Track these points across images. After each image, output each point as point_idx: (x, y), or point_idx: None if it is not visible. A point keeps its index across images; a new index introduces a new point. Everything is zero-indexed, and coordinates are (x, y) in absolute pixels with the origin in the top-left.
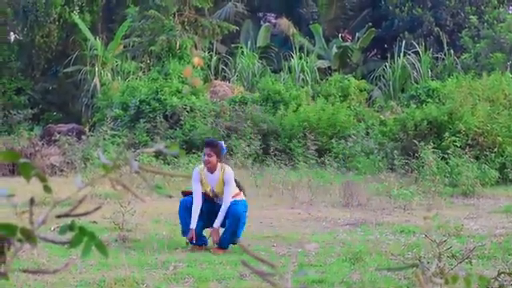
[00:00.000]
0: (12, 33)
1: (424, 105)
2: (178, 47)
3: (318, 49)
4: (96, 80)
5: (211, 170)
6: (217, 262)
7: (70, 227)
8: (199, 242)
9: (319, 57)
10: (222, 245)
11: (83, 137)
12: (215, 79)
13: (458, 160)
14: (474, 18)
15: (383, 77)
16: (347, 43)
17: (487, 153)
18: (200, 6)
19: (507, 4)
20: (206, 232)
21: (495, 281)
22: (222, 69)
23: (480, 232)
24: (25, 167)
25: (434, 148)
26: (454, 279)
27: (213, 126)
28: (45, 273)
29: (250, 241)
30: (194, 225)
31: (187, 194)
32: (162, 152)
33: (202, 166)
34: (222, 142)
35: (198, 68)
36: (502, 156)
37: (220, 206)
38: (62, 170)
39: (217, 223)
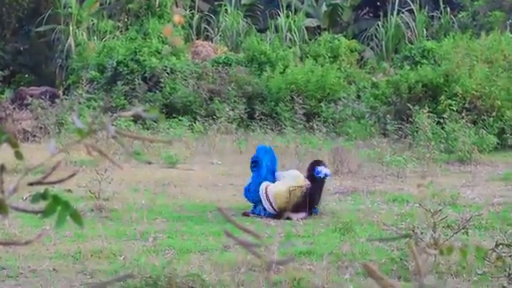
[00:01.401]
0: None
1: (419, 66)
2: (157, 5)
3: (307, 6)
4: (70, 40)
5: None
6: (199, 233)
7: (43, 196)
8: None
9: (308, 15)
10: None
11: (57, 100)
12: (197, 39)
13: (455, 125)
14: None
15: (375, 36)
16: (337, 1)
17: (485, 117)
18: None
19: None
20: None
21: (493, 252)
22: (205, 28)
23: (477, 201)
24: None
25: (429, 112)
26: (449, 250)
27: (194, 89)
28: (17, 244)
29: (234, 210)
30: None
31: None
32: (140, 116)
33: None
34: None
35: (179, 27)
36: (501, 120)
37: None
38: (34, 136)
39: None
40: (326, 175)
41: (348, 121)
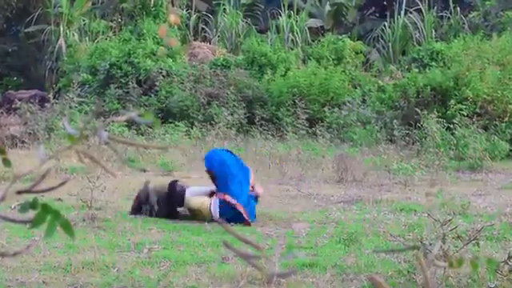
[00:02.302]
0: None
1: (427, 69)
2: (152, 4)
3: (310, 6)
4: (61, 41)
5: None
6: (196, 244)
7: (32, 205)
8: None
9: (310, 15)
10: None
11: (47, 104)
12: (194, 40)
13: (465, 130)
14: None
15: (382, 38)
16: (342, 0)
17: (497, 122)
18: None
19: None
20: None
21: (505, 264)
22: (202, 28)
23: (488, 210)
24: None
25: (438, 117)
26: (460, 262)
27: (192, 93)
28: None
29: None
30: None
31: None
32: (134, 121)
33: None
34: None
35: (175, 27)
36: None
37: None
38: (23, 142)
39: None
40: None
41: (353, 126)
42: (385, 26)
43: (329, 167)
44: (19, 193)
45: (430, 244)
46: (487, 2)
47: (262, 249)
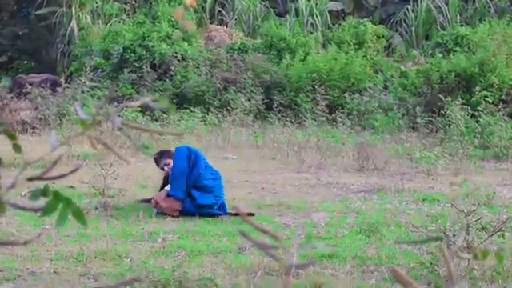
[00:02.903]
0: None
1: (451, 54)
2: None
3: None
4: (73, 24)
5: None
6: (212, 234)
7: (43, 192)
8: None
9: None
10: None
11: (58, 89)
12: (211, 23)
13: (490, 118)
14: None
15: (404, 21)
16: None
17: None
18: None
19: None
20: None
21: None
22: (219, 11)
23: None
24: None
25: (462, 104)
26: (484, 254)
27: (208, 78)
28: (14, 244)
29: (251, 209)
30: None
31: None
32: (149, 106)
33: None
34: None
35: (191, 10)
36: None
37: None
38: (34, 127)
39: None
40: None
41: (374, 113)
42: (408, 9)
43: (349, 155)
44: (30, 180)
45: (454, 235)
46: None
47: (280, 239)
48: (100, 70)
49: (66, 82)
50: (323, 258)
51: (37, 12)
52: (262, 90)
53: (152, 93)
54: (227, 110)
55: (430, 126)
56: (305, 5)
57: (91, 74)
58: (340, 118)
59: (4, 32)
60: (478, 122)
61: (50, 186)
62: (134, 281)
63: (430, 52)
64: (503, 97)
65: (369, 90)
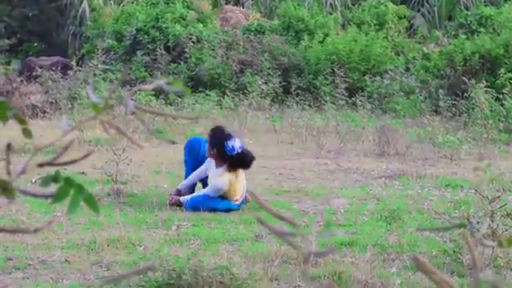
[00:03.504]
0: None
1: (475, 35)
2: None
3: None
4: (84, 5)
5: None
6: (228, 221)
7: (54, 178)
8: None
9: None
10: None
11: (69, 72)
12: (226, 4)
13: None
14: None
15: (427, 1)
16: None
17: None
18: None
19: None
20: None
21: None
22: None
23: None
24: (0, 107)
25: (486, 87)
26: (509, 242)
27: (223, 60)
28: (25, 232)
29: (268, 195)
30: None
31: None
32: (163, 90)
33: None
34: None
35: None
36: None
37: None
38: (44, 112)
39: None
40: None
41: (395, 96)
42: None
43: (369, 140)
44: (40, 166)
45: (478, 222)
46: None
47: (298, 226)
48: (112, 52)
49: (77, 64)
50: (343, 246)
51: None
52: (279, 73)
53: (166, 76)
54: (243, 93)
55: (453, 109)
56: None
57: (103, 56)
58: (360, 101)
59: (13, 13)
60: (502, 105)
61: (62, 172)
62: (147, 269)
63: (453, 33)
64: None
65: (390, 72)
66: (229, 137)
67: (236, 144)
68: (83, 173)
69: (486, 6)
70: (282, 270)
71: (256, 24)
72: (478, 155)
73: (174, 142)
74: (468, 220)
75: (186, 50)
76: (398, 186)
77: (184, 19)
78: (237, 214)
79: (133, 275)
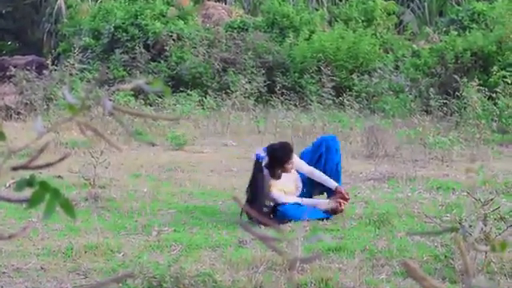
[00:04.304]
0: None
1: (467, 32)
2: None
3: None
4: (61, 1)
5: None
6: (210, 226)
7: (29, 183)
8: None
9: None
10: None
11: (45, 71)
12: (208, 0)
13: (509, 100)
14: None
15: None
16: None
17: None
18: None
19: None
20: None
21: None
22: None
23: None
24: None
25: (479, 85)
26: (503, 246)
27: (205, 58)
28: None
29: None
30: None
31: None
32: (142, 90)
33: None
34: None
35: None
36: None
37: None
38: (18, 113)
39: None
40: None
41: (384, 95)
42: None
43: (357, 141)
44: (15, 169)
45: (470, 226)
46: None
47: (284, 231)
48: (89, 50)
49: (53, 63)
50: (330, 252)
51: None
52: (263, 72)
53: (145, 75)
54: (226, 93)
55: (445, 108)
56: None
57: (80, 55)
58: (348, 100)
59: None
60: (495, 104)
61: (37, 176)
62: (126, 277)
63: (444, 29)
64: None
65: (378, 70)
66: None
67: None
68: (59, 176)
69: (478, 1)
70: (266, 277)
71: (239, 21)
72: (471, 156)
73: (153, 144)
74: (460, 224)
75: (167, 48)
76: (388, 189)
77: (164, 16)
78: (219, 218)
79: (111, 283)
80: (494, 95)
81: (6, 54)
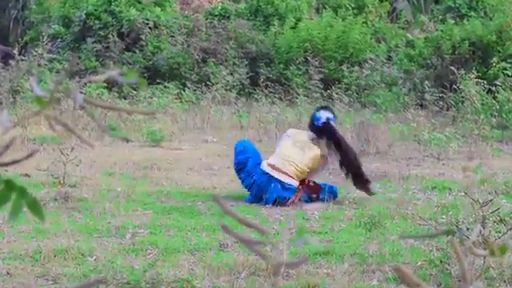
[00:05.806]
0: None
1: (465, 20)
2: None
3: None
4: None
5: None
6: (189, 228)
7: None
8: None
9: None
10: None
11: (11, 62)
12: None
13: (510, 94)
14: None
15: None
16: None
17: None
18: None
19: None
20: None
21: None
22: None
23: None
24: None
25: (477, 78)
26: (502, 250)
27: (184, 48)
28: None
29: (234, 200)
30: None
31: None
32: (116, 81)
33: None
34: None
35: None
36: None
37: None
38: None
39: None
40: (328, 120)
41: (376, 88)
42: None
43: (347, 137)
44: None
45: (468, 229)
46: None
47: (268, 234)
48: (59, 39)
49: (19, 53)
50: (317, 256)
51: None
52: (246, 63)
53: (119, 66)
54: (206, 85)
55: (441, 103)
56: None
57: (49, 44)
58: (337, 94)
59: None
60: (495, 98)
61: (2, 174)
62: (99, 283)
63: (441, 17)
64: None
65: (370, 61)
66: (320, 108)
67: (324, 115)
68: (26, 175)
69: None
70: (249, 283)
71: (220, 8)
72: (468, 154)
73: (128, 140)
74: (457, 226)
75: (142, 36)
76: (379, 189)
77: (140, 2)
78: (199, 220)
79: None
80: (493, 88)
81: None
